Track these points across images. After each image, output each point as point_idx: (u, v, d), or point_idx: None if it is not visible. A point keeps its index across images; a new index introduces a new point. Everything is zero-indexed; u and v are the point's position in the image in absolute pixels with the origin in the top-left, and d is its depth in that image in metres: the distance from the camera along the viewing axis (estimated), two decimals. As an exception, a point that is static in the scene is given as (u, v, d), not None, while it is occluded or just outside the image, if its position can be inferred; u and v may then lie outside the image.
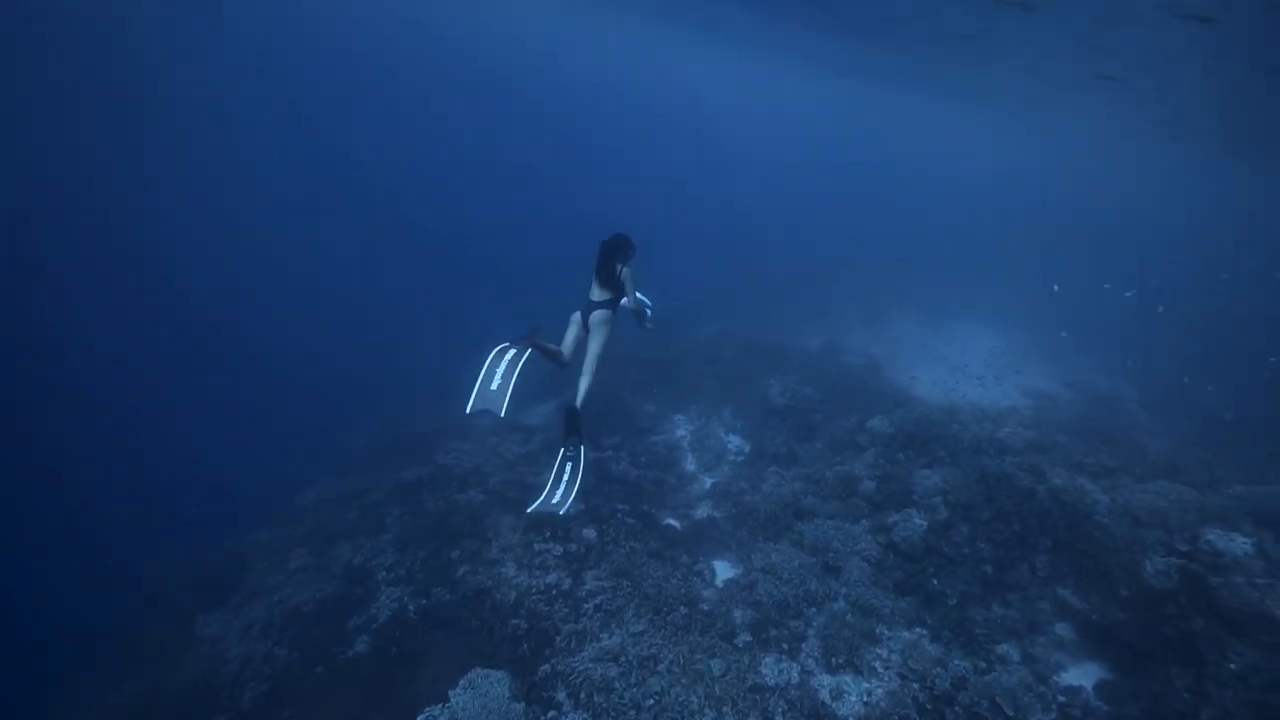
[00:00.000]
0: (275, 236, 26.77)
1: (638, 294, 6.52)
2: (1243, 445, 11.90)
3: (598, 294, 6.36)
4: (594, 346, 6.32)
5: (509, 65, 62.01)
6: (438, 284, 24.16)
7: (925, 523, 8.92)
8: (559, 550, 9.21)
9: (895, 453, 10.75)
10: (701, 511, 10.78)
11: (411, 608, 8.65)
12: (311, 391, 16.03)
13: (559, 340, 6.35)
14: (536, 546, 9.27)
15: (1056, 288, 17.03)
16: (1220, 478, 9.60)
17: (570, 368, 6.41)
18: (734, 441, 13.20)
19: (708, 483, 11.76)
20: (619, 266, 6.29)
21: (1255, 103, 14.53)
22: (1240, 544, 6.85)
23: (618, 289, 6.32)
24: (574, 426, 6.07)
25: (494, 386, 5.55)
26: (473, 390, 5.50)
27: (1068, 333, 18.71)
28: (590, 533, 9.51)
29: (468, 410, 5.36)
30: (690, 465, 12.47)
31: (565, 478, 5.99)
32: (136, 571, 10.77)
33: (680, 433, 13.49)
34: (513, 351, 5.77)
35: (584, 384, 6.24)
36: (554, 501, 5.79)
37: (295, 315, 21.02)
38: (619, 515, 9.97)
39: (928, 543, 8.77)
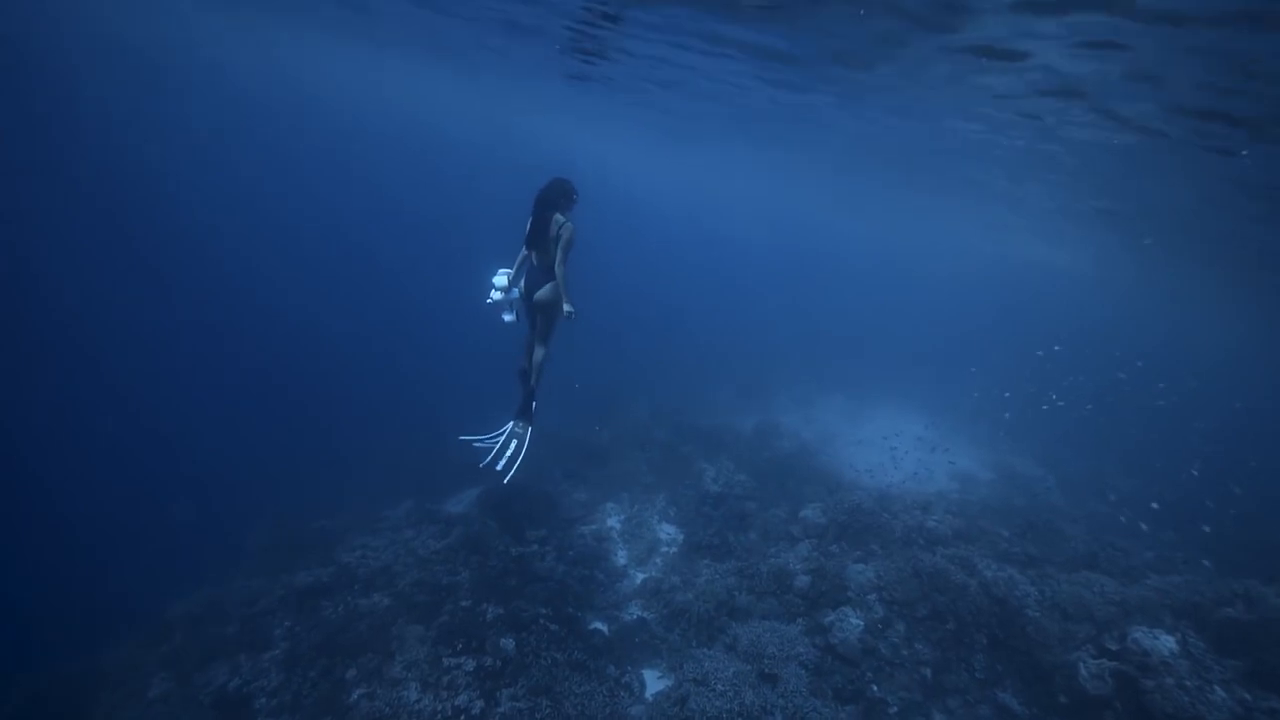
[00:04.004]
0: (169, 294, 24.41)
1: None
2: (1152, 533, 12.42)
3: (537, 260, 5.56)
4: (544, 328, 5.88)
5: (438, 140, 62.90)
6: (345, 361, 22.36)
7: (862, 622, 8.58)
8: (471, 665, 8.24)
9: (829, 544, 10.52)
10: (631, 612, 10.05)
11: (291, 744, 7.42)
12: (198, 475, 13.93)
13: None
14: (446, 661, 8.27)
15: (1007, 394, 17.97)
16: (1136, 566, 9.83)
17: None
18: (667, 531, 12.66)
19: (639, 579, 11.08)
20: (555, 217, 5.36)
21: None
22: (1165, 642, 6.84)
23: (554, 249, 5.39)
24: (526, 409, 6.20)
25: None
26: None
27: (986, 416, 19.62)
28: (508, 643, 8.60)
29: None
30: (621, 558, 11.78)
31: (509, 453, 6.15)
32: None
33: (611, 522, 12.84)
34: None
35: (537, 357, 6.01)
36: (498, 467, 6.00)
37: (186, 384, 18.77)
38: (541, 621, 9.11)
39: (865, 644, 8.39)
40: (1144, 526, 10.91)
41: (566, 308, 5.41)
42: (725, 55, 11.15)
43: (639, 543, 12.15)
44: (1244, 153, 8.84)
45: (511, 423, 6.26)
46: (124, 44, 36.57)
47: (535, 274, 5.62)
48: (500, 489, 12.39)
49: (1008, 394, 17.86)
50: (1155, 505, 11.99)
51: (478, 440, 6.39)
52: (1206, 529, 10.12)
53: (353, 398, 18.99)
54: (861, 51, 9.06)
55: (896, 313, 49.65)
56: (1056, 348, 17.81)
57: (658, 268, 52.34)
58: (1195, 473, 14.19)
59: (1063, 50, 7.08)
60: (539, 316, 5.82)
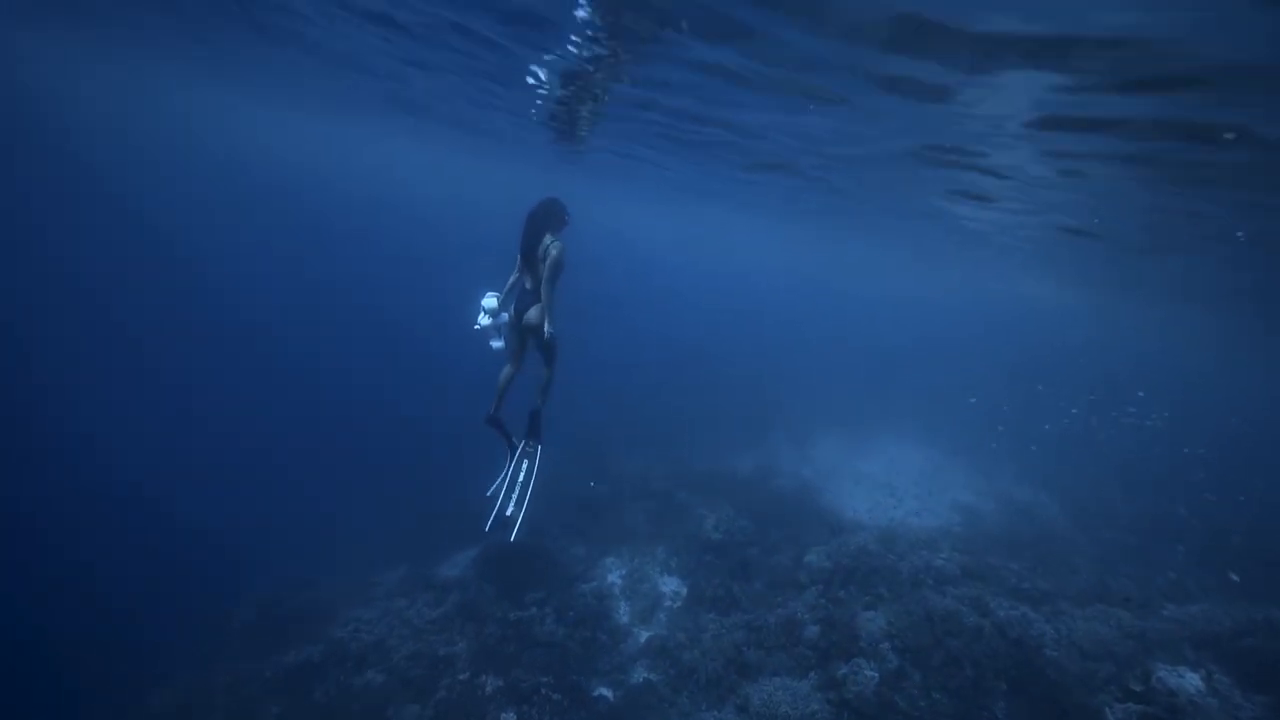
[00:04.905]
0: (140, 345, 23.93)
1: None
2: (1154, 555, 12.21)
3: (530, 283, 5.51)
4: (542, 350, 5.73)
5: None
6: (335, 416, 21.80)
7: (876, 674, 8.26)
8: (471, 745, 7.84)
9: (836, 590, 10.24)
10: (637, 674, 9.66)
11: (281, 846, 6.94)
12: (179, 544, 13.05)
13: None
14: (444, 743, 7.86)
15: (1000, 428, 18.01)
16: (1152, 597, 9.60)
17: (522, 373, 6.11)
18: (670, 584, 12.30)
19: (643, 637, 10.70)
20: (545, 238, 5.34)
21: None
22: (1191, 680, 6.61)
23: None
24: (535, 427, 6.02)
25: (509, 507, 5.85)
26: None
27: (985, 446, 19.51)
28: (509, 718, 8.21)
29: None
30: (623, 616, 11.40)
31: (520, 478, 6.01)
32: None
33: (611, 578, 12.47)
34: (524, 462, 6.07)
35: (542, 379, 5.89)
36: (508, 513, 5.87)
37: (167, 445, 18.15)
38: (543, 690, 8.73)
39: (882, 697, 8.05)
40: (1171, 575, 10.67)
41: (547, 328, 5.42)
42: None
43: (641, 598, 11.78)
44: (1239, 234, 9.14)
45: (521, 443, 6.08)
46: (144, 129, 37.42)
47: (527, 297, 5.57)
48: (496, 549, 12.18)
49: (1001, 428, 17.82)
50: (1182, 548, 11.69)
51: (499, 490, 6.14)
52: (1235, 578, 9.80)
53: (343, 454, 18.53)
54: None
55: (891, 345, 49.82)
56: (1040, 387, 17.93)
57: (649, 310, 52.54)
58: (1211, 497, 14.04)
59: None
60: (532, 339, 5.74)
